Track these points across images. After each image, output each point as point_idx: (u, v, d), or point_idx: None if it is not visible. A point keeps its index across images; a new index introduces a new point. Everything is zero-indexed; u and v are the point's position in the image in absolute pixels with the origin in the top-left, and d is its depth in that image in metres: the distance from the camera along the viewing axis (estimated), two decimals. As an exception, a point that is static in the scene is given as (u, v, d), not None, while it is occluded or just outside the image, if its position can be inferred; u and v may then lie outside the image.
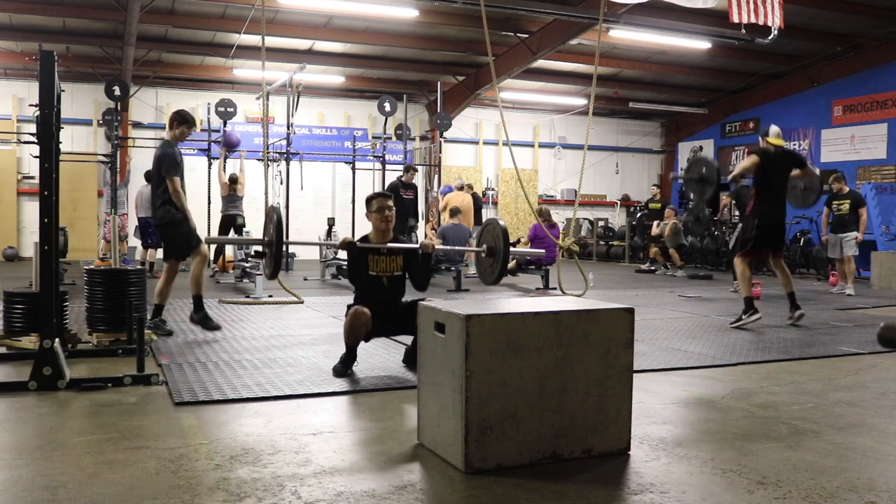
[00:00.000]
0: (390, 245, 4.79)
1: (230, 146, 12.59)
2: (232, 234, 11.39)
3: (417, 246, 4.87)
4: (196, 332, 6.10)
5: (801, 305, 7.13)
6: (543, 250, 8.83)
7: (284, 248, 13.54)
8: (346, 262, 5.09)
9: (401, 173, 11.89)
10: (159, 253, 11.76)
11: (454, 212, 10.90)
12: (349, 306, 4.72)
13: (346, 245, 4.68)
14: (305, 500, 2.55)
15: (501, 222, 5.16)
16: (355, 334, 4.55)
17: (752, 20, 9.76)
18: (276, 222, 4.78)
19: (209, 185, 13.68)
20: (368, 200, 4.85)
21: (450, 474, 2.83)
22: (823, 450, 3.20)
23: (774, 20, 9.83)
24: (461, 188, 12.52)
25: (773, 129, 7.22)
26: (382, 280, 4.77)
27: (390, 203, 4.82)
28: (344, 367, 4.59)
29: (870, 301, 9.32)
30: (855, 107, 15.54)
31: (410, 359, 4.78)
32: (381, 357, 5.11)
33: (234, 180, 11.48)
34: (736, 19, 9.66)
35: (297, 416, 3.67)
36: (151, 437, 3.24)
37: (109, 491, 2.60)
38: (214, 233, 12.25)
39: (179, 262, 6.20)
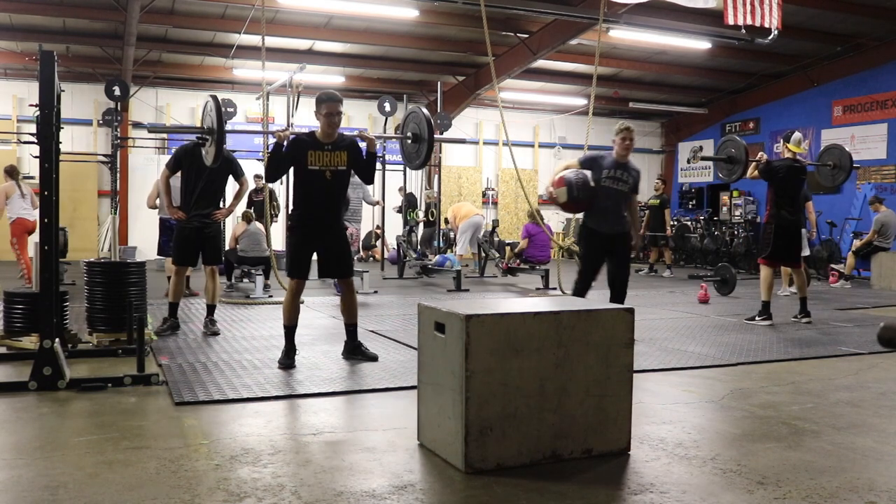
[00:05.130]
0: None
1: None
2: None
3: (357, 136, 4.99)
4: (196, 332, 6.11)
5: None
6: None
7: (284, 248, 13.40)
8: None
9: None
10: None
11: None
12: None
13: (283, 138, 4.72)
14: (305, 500, 2.55)
15: (425, 111, 5.06)
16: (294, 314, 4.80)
17: (749, 21, 9.67)
18: (215, 109, 4.82)
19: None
20: (319, 101, 4.74)
21: (450, 474, 2.83)
22: (823, 450, 3.20)
23: (772, 21, 9.75)
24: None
25: (796, 136, 7.18)
26: (325, 174, 4.75)
27: (340, 109, 4.75)
28: (288, 359, 4.71)
29: (870, 301, 9.31)
30: (855, 107, 15.52)
31: (350, 351, 4.99)
32: (380, 357, 5.10)
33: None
34: (731, 21, 9.56)
35: (297, 416, 3.68)
36: (151, 437, 3.24)
37: (109, 491, 2.60)
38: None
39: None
